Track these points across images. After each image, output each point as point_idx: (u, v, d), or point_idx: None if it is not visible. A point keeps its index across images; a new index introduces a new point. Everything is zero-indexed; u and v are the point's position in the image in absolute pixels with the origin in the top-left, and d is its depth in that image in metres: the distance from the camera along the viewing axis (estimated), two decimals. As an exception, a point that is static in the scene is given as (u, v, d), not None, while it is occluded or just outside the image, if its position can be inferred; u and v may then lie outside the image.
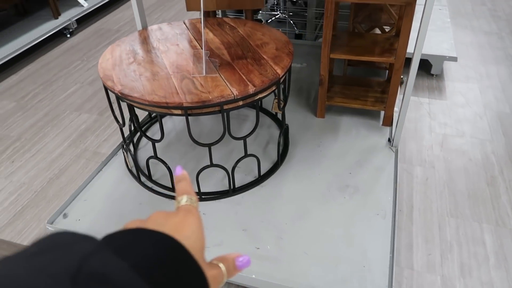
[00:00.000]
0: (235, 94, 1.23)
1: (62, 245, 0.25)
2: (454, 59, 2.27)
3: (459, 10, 3.24)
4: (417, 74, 2.38)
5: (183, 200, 0.37)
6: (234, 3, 1.80)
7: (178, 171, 0.40)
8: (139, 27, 1.71)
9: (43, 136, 2.05)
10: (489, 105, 2.13)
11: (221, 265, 0.35)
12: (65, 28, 3.05)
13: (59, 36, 3.08)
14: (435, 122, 2.01)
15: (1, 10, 3.15)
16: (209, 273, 0.31)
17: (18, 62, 2.76)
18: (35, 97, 2.38)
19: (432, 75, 2.36)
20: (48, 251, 0.24)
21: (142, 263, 0.27)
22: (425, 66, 2.41)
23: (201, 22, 1.34)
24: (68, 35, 3.08)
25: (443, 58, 2.28)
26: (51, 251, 0.24)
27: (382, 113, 1.77)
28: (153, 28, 1.67)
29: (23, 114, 2.23)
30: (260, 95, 1.31)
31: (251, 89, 1.25)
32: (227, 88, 1.25)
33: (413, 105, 2.13)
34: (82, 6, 3.21)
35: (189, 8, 1.79)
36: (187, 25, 1.69)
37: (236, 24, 1.67)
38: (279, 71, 1.33)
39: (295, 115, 1.87)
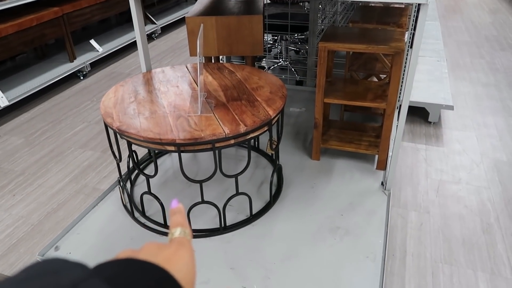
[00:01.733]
0: (226, 133, 1.27)
1: (51, 272, 0.24)
2: (450, 107, 2.32)
3: (458, 63, 3.34)
4: (415, 122, 2.42)
5: (177, 232, 0.37)
6: (235, 50, 1.90)
7: (174, 204, 0.41)
8: (144, 69, 1.81)
9: (46, 172, 2.11)
10: (486, 153, 2.14)
11: None
12: (79, 71, 3.21)
13: (73, 78, 3.24)
14: (432, 168, 2.02)
15: (21, 53, 3.35)
16: None
17: (32, 101, 2.89)
18: (43, 134, 2.47)
19: (430, 122, 2.40)
20: (37, 278, 0.24)
21: None
22: (423, 114, 2.46)
23: (197, 65, 1.43)
24: (82, 77, 3.24)
25: (439, 107, 2.33)
26: (40, 278, 0.24)
27: (377, 157, 1.80)
28: (156, 71, 1.77)
29: (30, 150, 2.31)
30: (252, 135, 1.36)
31: (242, 129, 1.30)
32: (219, 127, 1.30)
33: (410, 151, 2.15)
34: (97, 51, 3.40)
35: (192, 54, 1.90)
36: (189, 68, 1.78)
37: (235, 69, 1.76)
38: (271, 112, 1.38)
39: (291, 157, 1.90)
